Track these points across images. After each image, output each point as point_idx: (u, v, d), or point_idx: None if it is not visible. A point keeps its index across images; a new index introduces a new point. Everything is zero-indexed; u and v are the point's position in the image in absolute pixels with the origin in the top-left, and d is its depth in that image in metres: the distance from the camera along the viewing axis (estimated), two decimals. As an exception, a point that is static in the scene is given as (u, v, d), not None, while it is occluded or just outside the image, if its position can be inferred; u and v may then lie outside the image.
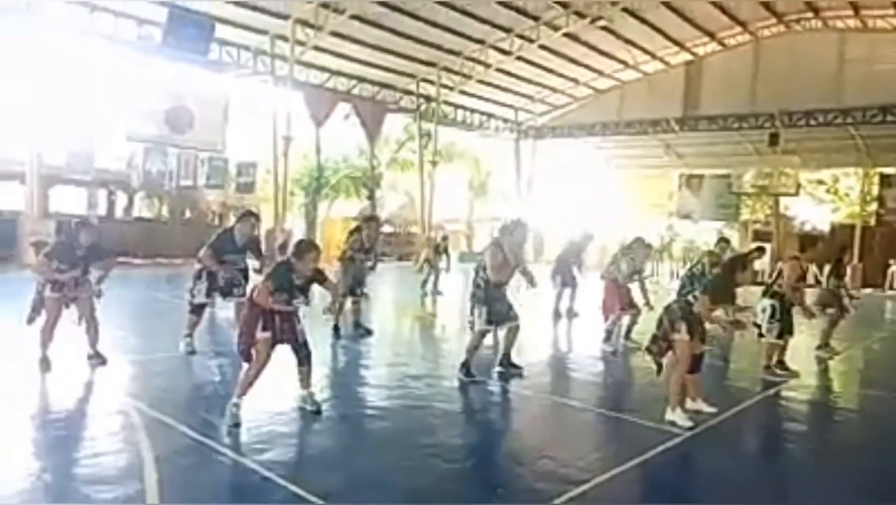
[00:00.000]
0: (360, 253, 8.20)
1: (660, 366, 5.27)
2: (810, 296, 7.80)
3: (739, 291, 5.65)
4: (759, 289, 7.63)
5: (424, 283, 14.04)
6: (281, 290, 4.67)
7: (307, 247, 4.81)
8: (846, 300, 8.68)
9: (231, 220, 14.71)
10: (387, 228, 28.51)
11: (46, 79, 16.20)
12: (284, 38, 19.14)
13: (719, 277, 5.60)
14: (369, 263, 8.36)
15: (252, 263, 7.10)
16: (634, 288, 8.47)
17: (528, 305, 6.79)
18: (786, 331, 7.15)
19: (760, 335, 7.22)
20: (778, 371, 7.13)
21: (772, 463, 4.88)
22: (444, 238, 16.36)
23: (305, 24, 18.86)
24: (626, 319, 8.44)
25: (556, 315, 10.88)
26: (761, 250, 14.22)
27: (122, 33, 17.07)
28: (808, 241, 7.51)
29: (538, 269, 8.28)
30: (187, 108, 19.09)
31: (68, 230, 6.05)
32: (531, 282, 6.54)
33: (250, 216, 7.20)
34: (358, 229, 8.48)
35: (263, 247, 7.67)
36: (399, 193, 32.39)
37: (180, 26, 16.22)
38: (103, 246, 6.09)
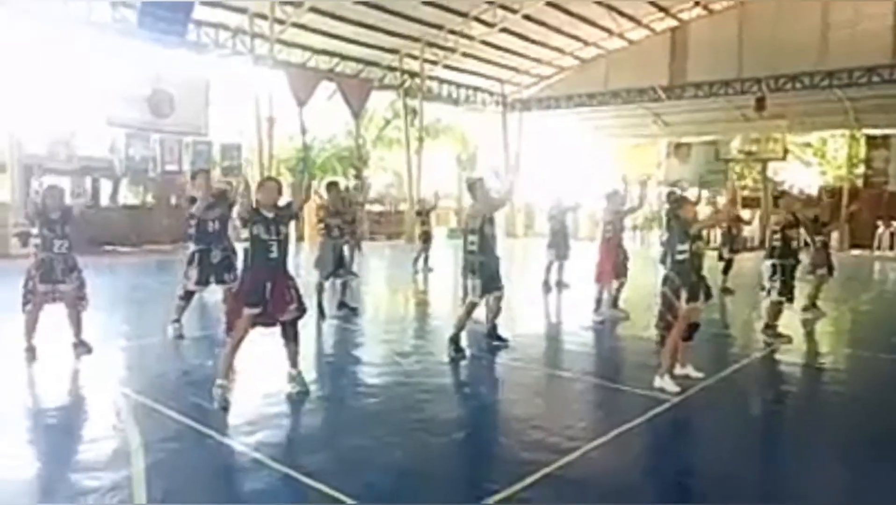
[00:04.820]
0: (334, 219, 8.15)
1: (663, 338, 5.26)
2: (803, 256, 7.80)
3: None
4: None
5: (415, 260, 14.03)
6: (254, 222, 4.70)
7: (264, 179, 5.10)
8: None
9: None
10: (376, 207, 28.39)
11: (23, 67, 15.88)
12: (263, 17, 18.79)
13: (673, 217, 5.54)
14: (346, 240, 8.35)
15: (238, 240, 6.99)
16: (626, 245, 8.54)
17: (518, 276, 6.74)
18: (786, 292, 7.09)
19: (768, 293, 7.15)
20: (773, 335, 7.11)
21: (759, 424, 4.94)
22: (421, 201, 16.18)
23: (285, 1, 18.52)
24: (613, 286, 8.44)
25: (546, 286, 10.90)
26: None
27: (97, 17, 16.69)
28: (775, 199, 7.52)
29: (528, 242, 8.27)
30: (167, 92, 18.73)
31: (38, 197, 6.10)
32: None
33: (199, 172, 7.35)
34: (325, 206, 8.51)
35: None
36: (387, 172, 32.18)
37: (156, 7, 15.86)
38: (73, 211, 6.05)
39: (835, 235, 10.85)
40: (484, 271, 6.22)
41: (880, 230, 22.08)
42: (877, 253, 21.28)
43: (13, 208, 15.66)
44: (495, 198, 6.42)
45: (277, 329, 4.88)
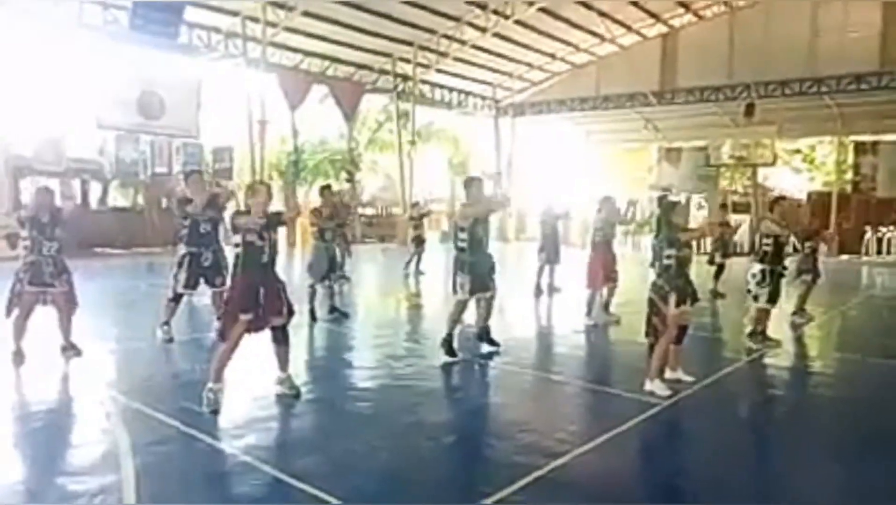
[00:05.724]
0: (329, 222, 8.15)
1: (652, 347, 5.28)
2: (790, 262, 7.86)
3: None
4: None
5: (407, 263, 14.02)
6: (248, 229, 4.66)
7: (256, 185, 5.02)
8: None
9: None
10: (368, 210, 28.37)
11: (12, 68, 15.77)
12: (256, 20, 18.77)
13: (664, 222, 5.57)
14: (338, 244, 8.32)
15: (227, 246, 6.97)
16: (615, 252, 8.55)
17: (509, 280, 6.76)
18: (773, 298, 7.12)
19: (755, 298, 7.16)
20: (761, 340, 7.14)
21: (749, 427, 4.96)
22: (416, 206, 16.16)
23: (277, 4, 18.51)
24: (604, 291, 8.46)
25: (538, 291, 10.91)
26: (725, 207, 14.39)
27: (88, 19, 16.61)
28: (771, 204, 7.62)
29: (520, 246, 8.28)
30: (158, 94, 18.66)
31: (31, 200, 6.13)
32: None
33: (192, 173, 7.27)
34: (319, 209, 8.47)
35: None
36: (379, 175, 32.15)
37: (148, 9, 15.80)
38: (63, 214, 6.02)
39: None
40: (473, 270, 6.23)
41: (868, 235, 22.26)
42: (865, 258, 21.45)
43: (1, 209, 15.52)
44: (491, 201, 6.41)
45: (267, 333, 4.85)
